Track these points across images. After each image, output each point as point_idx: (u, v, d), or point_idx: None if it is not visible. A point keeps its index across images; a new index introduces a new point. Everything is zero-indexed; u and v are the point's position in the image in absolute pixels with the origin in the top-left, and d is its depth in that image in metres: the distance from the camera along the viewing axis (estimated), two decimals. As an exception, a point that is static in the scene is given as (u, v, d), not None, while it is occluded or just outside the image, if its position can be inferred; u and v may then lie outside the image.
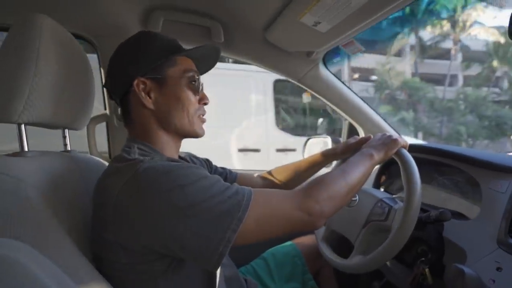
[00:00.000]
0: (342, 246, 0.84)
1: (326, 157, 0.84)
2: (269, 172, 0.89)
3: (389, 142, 0.68)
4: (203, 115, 0.63)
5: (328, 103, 1.20)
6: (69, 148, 0.71)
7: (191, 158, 0.78)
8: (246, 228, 0.45)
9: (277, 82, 3.21)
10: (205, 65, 0.68)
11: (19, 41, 0.50)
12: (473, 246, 0.66)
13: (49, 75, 0.52)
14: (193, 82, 0.60)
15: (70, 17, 0.88)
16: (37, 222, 0.42)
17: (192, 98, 0.60)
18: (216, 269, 0.46)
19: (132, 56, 0.57)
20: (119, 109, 1.02)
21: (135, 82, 0.56)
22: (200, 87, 0.62)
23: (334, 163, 1.30)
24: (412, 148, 0.75)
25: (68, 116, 0.61)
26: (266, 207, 0.49)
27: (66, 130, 0.70)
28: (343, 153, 0.81)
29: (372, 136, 0.74)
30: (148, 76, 0.56)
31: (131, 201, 0.45)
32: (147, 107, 0.57)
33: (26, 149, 0.54)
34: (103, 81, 1.00)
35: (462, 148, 0.85)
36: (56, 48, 0.54)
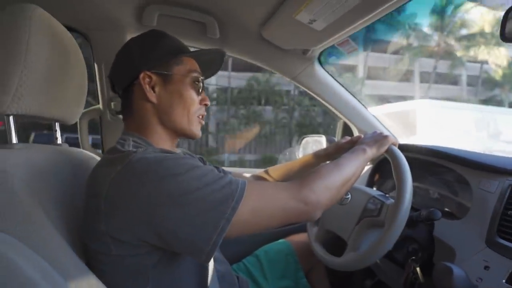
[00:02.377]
0: (336, 246, 0.85)
1: (318, 158, 0.86)
2: (262, 173, 0.90)
3: (381, 138, 0.71)
4: (202, 117, 0.64)
5: (323, 102, 1.20)
6: (59, 142, 0.70)
7: (185, 154, 0.77)
8: (241, 217, 0.45)
9: None
10: (209, 70, 0.70)
11: (8, 32, 0.48)
12: (462, 245, 0.66)
13: (39, 67, 0.51)
14: (197, 83, 0.62)
15: (63, 9, 0.87)
16: (24, 216, 0.41)
17: (195, 97, 0.61)
18: (209, 261, 0.46)
19: (141, 50, 0.59)
20: (112, 104, 1.02)
21: (141, 75, 0.57)
22: (202, 88, 0.64)
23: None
24: (404, 148, 0.75)
25: (59, 109, 0.60)
26: (261, 196, 0.49)
27: (57, 124, 0.69)
28: (335, 153, 0.83)
29: (362, 136, 0.76)
30: (154, 71, 0.58)
31: (123, 191, 0.45)
32: (150, 101, 0.58)
33: (14, 141, 0.53)
34: (97, 75, 0.99)
35: (454, 149, 0.86)
36: (47, 39, 0.53)
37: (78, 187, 0.57)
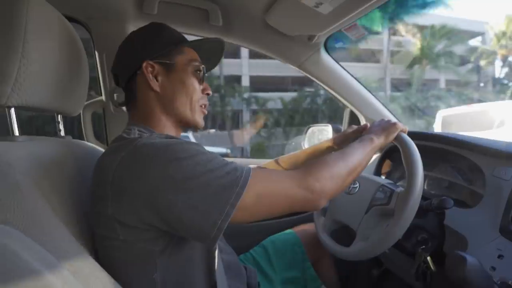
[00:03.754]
0: (343, 236, 0.84)
1: (324, 148, 0.85)
2: (271, 162, 0.90)
3: (389, 126, 0.69)
4: (205, 106, 0.65)
5: (328, 89, 1.17)
6: (62, 134, 0.69)
7: None
8: (246, 203, 0.45)
9: None
10: (210, 62, 0.70)
11: (4, 20, 0.47)
12: (475, 234, 0.65)
13: (39, 56, 0.50)
14: (198, 72, 0.63)
15: None
16: (27, 208, 0.41)
17: (197, 86, 0.62)
18: (214, 245, 0.46)
19: (143, 41, 0.61)
20: (115, 96, 1.01)
21: (144, 64, 0.58)
22: (203, 78, 0.64)
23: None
24: (415, 136, 0.73)
25: (60, 100, 0.59)
26: (266, 183, 0.49)
27: (59, 116, 0.68)
28: (341, 143, 0.82)
29: (368, 125, 0.75)
30: (157, 61, 0.59)
31: (129, 175, 0.45)
32: (153, 90, 0.59)
33: (16, 133, 0.52)
34: (98, 65, 0.98)
35: (466, 136, 0.84)
36: (45, 28, 0.52)
37: (82, 178, 0.56)
